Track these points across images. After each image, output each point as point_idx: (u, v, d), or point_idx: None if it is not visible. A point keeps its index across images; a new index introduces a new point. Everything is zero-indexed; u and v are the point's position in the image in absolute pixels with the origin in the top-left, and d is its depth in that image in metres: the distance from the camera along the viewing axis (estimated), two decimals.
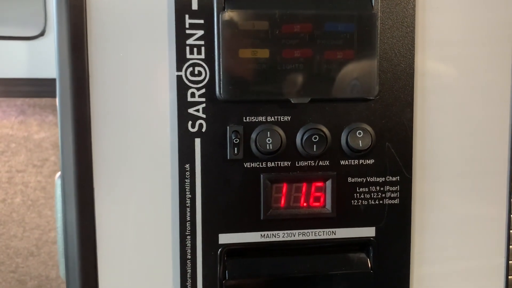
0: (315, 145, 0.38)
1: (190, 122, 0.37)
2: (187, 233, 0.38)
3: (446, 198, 0.41)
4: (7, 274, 0.98)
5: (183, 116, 0.37)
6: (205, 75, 0.37)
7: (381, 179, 0.39)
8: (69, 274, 0.38)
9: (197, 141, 0.37)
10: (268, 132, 0.37)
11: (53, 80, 0.38)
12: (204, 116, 0.37)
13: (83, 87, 0.36)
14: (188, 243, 0.38)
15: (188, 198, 0.38)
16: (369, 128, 0.38)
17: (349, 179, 0.39)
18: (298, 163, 0.38)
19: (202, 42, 0.37)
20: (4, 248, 0.96)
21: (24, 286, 0.99)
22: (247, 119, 0.37)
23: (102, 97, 0.37)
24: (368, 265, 0.40)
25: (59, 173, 0.40)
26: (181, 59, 0.36)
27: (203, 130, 0.37)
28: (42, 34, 0.59)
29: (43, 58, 0.60)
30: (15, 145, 0.90)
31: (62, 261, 0.40)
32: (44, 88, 0.60)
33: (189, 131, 0.37)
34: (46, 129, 0.90)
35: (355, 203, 0.39)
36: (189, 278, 0.38)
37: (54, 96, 0.38)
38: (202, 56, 0.37)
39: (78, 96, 0.37)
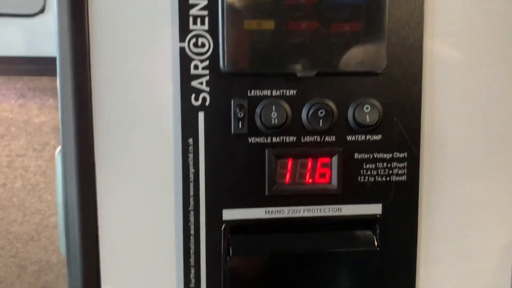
0: (321, 120, 0.37)
1: (193, 96, 0.36)
2: (191, 209, 0.37)
3: (455, 177, 0.40)
4: (7, 259, 0.98)
5: (186, 89, 0.36)
6: (208, 47, 0.36)
7: (388, 156, 0.38)
8: (69, 250, 0.37)
9: (201, 115, 0.36)
10: (273, 106, 0.36)
11: (53, 58, 0.37)
12: (207, 89, 0.36)
13: (84, 61, 0.36)
14: (192, 218, 0.37)
15: (191, 173, 0.37)
16: (376, 103, 0.38)
17: (356, 155, 0.38)
18: (303, 139, 0.38)
19: (206, 13, 0.36)
20: (4, 233, 0.96)
21: (24, 271, 0.99)
22: (252, 92, 0.37)
23: (103, 72, 0.36)
24: (375, 243, 0.39)
25: (59, 148, 0.39)
26: (184, 30, 0.36)
27: (207, 103, 0.36)
28: (42, 11, 0.58)
29: (42, 36, 0.59)
30: (15, 129, 0.89)
31: (62, 238, 0.40)
32: (44, 66, 0.59)
33: (192, 104, 0.36)
34: (47, 112, 0.89)
35: (361, 180, 0.38)
36: (192, 254, 0.37)
37: (55, 75, 0.38)
38: (206, 27, 0.36)
39: (79, 70, 0.36)
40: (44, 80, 0.88)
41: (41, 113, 0.89)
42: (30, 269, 0.99)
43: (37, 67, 0.59)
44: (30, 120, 0.89)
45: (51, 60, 0.38)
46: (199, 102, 0.36)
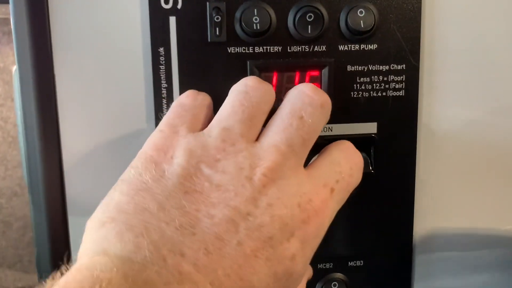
0: (309, 26, 0.33)
1: None
2: None
3: (458, 92, 0.36)
4: None
5: None
6: None
7: (384, 68, 0.34)
8: (31, 177, 0.34)
9: (172, 20, 0.32)
10: (255, 10, 0.32)
11: None
12: None
13: None
14: None
15: (164, 88, 0.33)
16: (372, 7, 0.33)
17: (349, 68, 0.34)
18: (290, 48, 0.33)
19: None
20: None
21: (9, 227, 0.96)
22: None
23: None
24: (369, 165, 0.35)
25: (15, 67, 0.35)
26: None
27: (179, 6, 0.32)
28: None
29: None
30: None
31: (24, 166, 0.36)
32: None
33: (162, 7, 0.32)
34: None
35: (354, 95, 0.34)
36: None
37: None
38: None
39: None
40: None
41: None
42: (15, 226, 0.96)
43: None
44: (6, 67, 0.84)
45: None
46: (170, 5, 0.32)
